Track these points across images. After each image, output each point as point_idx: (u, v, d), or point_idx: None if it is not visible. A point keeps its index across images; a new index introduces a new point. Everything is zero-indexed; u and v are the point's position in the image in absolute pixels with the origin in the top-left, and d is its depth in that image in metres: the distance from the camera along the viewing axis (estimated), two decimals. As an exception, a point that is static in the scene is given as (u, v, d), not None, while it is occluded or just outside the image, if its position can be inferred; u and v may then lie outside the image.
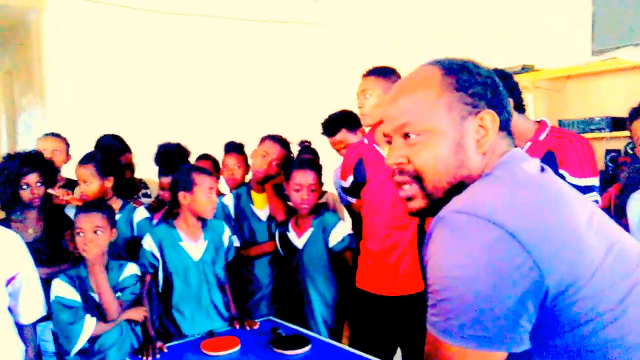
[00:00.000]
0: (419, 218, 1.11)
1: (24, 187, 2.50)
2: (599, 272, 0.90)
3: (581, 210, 0.97)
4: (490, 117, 1.05)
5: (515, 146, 1.11)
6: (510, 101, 2.09)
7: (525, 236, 0.87)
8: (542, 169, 1.06)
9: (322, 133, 3.18)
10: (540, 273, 0.86)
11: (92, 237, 2.20)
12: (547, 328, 0.91)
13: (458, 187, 1.04)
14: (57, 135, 3.40)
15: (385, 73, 2.48)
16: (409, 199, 1.11)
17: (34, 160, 2.55)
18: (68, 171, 3.33)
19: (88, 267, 2.22)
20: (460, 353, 0.91)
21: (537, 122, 2.22)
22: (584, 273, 0.89)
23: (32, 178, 2.51)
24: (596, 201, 2.07)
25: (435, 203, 1.06)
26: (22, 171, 2.49)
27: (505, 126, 1.08)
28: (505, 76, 2.16)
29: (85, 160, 2.70)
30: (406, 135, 1.08)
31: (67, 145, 3.40)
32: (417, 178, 1.08)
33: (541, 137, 2.14)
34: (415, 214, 1.12)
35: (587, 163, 2.06)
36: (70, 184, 3.09)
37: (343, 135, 3.07)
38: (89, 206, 2.30)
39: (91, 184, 2.66)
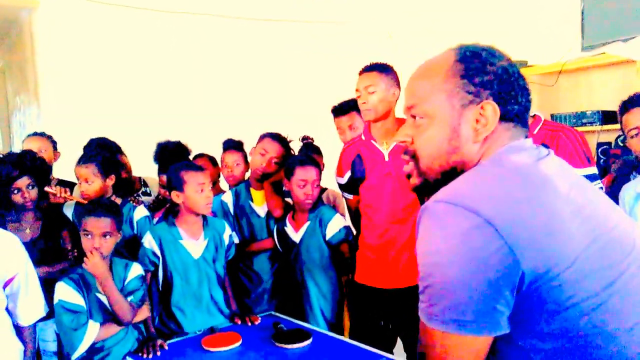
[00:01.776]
0: (419, 196, 1.18)
1: (15, 191, 2.46)
2: (580, 260, 0.92)
3: (570, 200, 0.98)
4: (491, 108, 1.05)
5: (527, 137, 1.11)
6: None
7: (502, 224, 0.90)
8: (541, 158, 1.07)
9: (335, 113, 3.14)
10: (515, 259, 0.89)
11: (101, 241, 2.19)
12: (529, 314, 0.94)
13: (451, 172, 1.09)
14: (42, 134, 3.38)
15: (386, 69, 2.48)
16: (409, 176, 1.17)
17: (23, 163, 2.50)
18: (58, 171, 3.33)
19: (90, 270, 2.18)
20: (445, 337, 0.95)
21: (532, 116, 2.25)
22: (562, 261, 0.91)
23: (23, 182, 2.47)
24: (601, 188, 2.11)
25: (432, 183, 1.11)
26: (11, 175, 2.44)
27: (511, 118, 1.07)
28: None
29: (86, 160, 2.68)
30: (414, 117, 1.13)
31: (54, 143, 3.38)
32: (415, 157, 1.14)
33: (535, 131, 2.17)
34: (414, 190, 1.18)
35: (583, 153, 2.10)
36: (63, 184, 3.06)
37: (353, 117, 3.03)
38: (98, 209, 2.25)
39: (93, 183, 2.65)
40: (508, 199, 0.94)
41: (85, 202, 2.56)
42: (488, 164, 1.05)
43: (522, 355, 0.96)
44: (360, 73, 2.52)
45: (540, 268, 0.90)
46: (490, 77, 1.06)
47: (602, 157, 3.57)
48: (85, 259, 2.17)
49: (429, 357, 0.99)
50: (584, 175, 2.05)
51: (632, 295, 0.95)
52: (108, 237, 2.21)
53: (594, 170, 2.11)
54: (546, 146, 2.10)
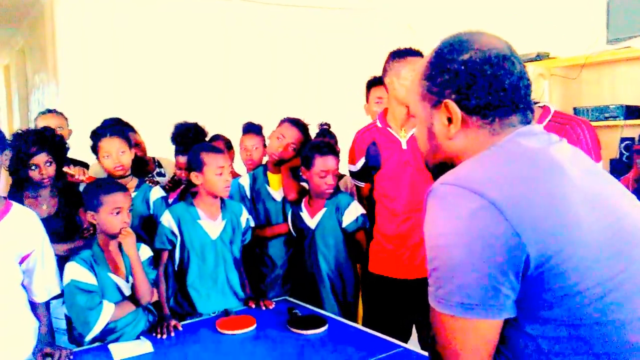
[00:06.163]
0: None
1: (33, 167, 2.44)
2: (587, 247, 0.92)
3: (581, 186, 0.97)
4: (451, 106, 1.06)
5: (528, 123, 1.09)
6: None
7: (507, 206, 0.91)
8: (553, 144, 1.05)
9: (377, 82, 3.10)
10: (520, 242, 0.89)
11: (127, 216, 2.20)
12: (536, 299, 0.93)
13: (443, 165, 1.13)
14: (54, 111, 3.38)
15: None
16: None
17: (42, 139, 2.48)
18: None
19: (125, 249, 2.19)
20: (452, 321, 0.95)
21: (541, 107, 2.16)
22: (568, 245, 0.91)
23: (41, 158, 2.44)
24: None
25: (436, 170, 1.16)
26: (29, 152, 2.42)
27: (480, 110, 1.05)
28: None
29: (113, 133, 2.63)
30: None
31: (66, 119, 3.39)
32: None
33: (543, 123, 2.08)
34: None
35: (589, 147, 2.00)
36: (75, 163, 3.02)
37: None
38: (117, 184, 2.26)
39: (124, 153, 2.61)
40: (514, 181, 0.95)
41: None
42: (496, 148, 1.04)
43: (530, 342, 0.96)
44: (414, 56, 2.40)
45: (545, 251, 0.89)
46: (449, 75, 1.06)
47: (625, 152, 3.52)
48: (120, 237, 2.17)
49: (438, 341, 1.00)
50: None
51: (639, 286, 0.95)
52: (129, 213, 2.23)
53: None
54: None
